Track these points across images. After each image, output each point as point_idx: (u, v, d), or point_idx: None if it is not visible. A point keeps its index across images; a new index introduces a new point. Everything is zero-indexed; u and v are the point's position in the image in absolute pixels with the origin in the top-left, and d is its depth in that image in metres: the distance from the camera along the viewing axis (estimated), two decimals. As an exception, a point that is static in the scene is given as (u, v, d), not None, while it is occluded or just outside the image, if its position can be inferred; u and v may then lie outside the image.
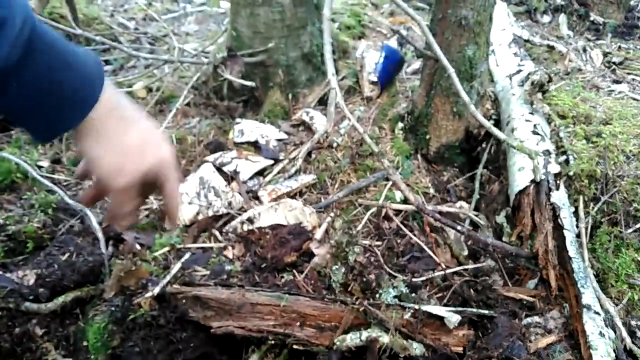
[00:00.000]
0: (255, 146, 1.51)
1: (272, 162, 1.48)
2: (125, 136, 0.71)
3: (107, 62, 2.00)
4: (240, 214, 1.34)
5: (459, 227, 1.21)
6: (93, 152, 0.70)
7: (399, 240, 1.28)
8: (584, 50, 2.15)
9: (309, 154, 1.50)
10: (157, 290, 1.10)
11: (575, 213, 1.21)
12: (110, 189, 0.72)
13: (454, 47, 1.43)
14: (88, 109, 0.67)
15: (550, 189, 1.21)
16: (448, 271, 1.19)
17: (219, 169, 1.42)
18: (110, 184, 0.71)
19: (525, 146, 1.19)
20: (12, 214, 1.27)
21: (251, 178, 1.43)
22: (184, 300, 1.10)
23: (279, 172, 1.46)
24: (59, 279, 1.10)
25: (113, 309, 1.07)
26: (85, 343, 1.04)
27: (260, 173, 1.46)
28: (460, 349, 1.08)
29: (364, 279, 1.14)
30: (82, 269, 1.12)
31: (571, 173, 1.32)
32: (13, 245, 1.18)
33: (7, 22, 0.57)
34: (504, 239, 1.27)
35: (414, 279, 1.17)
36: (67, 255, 1.15)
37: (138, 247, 1.23)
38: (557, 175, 1.26)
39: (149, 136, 0.73)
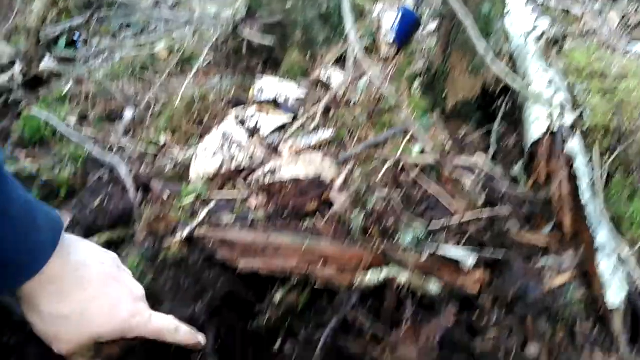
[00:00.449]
0: (275, 104, 1.55)
1: (291, 118, 1.52)
2: (62, 305, 0.69)
3: (128, 26, 2.04)
4: (261, 167, 1.39)
5: (475, 174, 1.25)
6: (28, 318, 0.70)
7: (416, 191, 1.31)
8: (600, 13, 2.15)
9: (327, 111, 1.54)
10: (185, 233, 1.15)
11: (590, 162, 1.24)
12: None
13: (470, 5, 1.44)
14: (19, 282, 0.65)
15: (565, 139, 1.23)
16: (464, 219, 1.23)
17: (240, 124, 1.47)
18: (53, 349, 0.72)
19: (541, 94, 1.22)
20: (44, 166, 1.33)
21: (272, 133, 1.47)
22: (211, 243, 1.15)
23: (298, 128, 1.50)
24: (93, 222, 1.16)
25: (144, 250, 1.13)
26: (118, 281, 1.09)
27: (281, 129, 1.50)
28: (475, 291, 1.13)
29: (383, 224, 1.18)
30: (113, 214, 1.18)
31: (586, 127, 1.34)
32: (47, 193, 1.24)
33: None
34: (519, 188, 1.30)
35: (431, 225, 1.21)
36: (98, 201, 1.20)
37: (166, 195, 1.27)
38: (572, 127, 1.28)
39: (98, 302, 0.72)
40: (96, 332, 0.71)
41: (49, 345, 0.71)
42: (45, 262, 0.65)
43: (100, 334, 0.72)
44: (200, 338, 0.86)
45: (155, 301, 1.07)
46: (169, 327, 0.81)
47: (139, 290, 0.82)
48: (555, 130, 1.24)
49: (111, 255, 0.82)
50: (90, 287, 0.71)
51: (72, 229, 1.12)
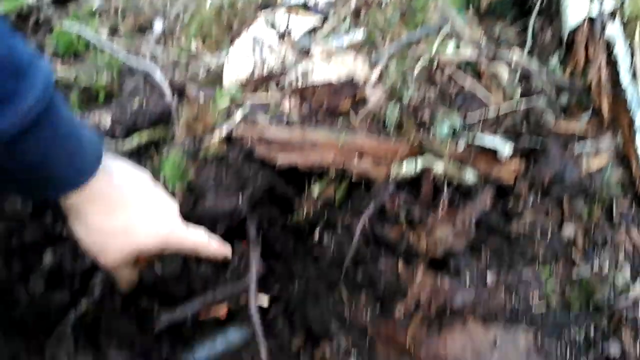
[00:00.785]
0: (304, 6, 1.53)
1: (322, 20, 1.50)
2: (109, 219, 0.71)
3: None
4: (293, 70, 1.39)
5: (511, 68, 1.23)
6: (75, 232, 0.73)
7: (451, 87, 1.30)
8: None
9: (357, 13, 1.51)
10: (224, 132, 1.18)
11: (630, 48, 1.21)
12: (100, 265, 0.76)
13: None
14: (61, 193, 0.67)
15: (604, 25, 1.20)
16: (501, 111, 1.22)
17: (270, 27, 1.46)
18: (96, 262, 0.76)
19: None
20: (81, 73, 1.35)
21: (302, 36, 1.46)
22: (249, 141, 1.18)
23: (329, 31, 1.48)
24: (132, 123, 1.19)
25: (185, 148, 1.16)
26: (162, 177, 1.12)
27: (311, 32, 1.48)
28: (511, 181, 1.14)
29: (418, 118, 1.18)
30: (152, 115, 1.20)
31: (625, 16, 1.30)
32: (86, 97, 1.27)
33: (18, 97, 0.54)
34: (556, 78, 1.28)
35: (467, 118, 1.20)
36: (137, 104, 1.23)
37: (201, 99, 1.29)
38: (612, 13, 1.24)
39: (139, 219, 0.75)
40: (139, 247, 0.76)
41: (93, 258, 0.75)
42: (89, 177, 0.68)
43: (142, 249, 0.76)
44: (228, 250, 0.90)
45: (198, 194, 1.11)
46: (203, 240, 0.85)
47: (175, 206, 0.86)
48: (594, 16, 1.20)
49: (146, 174, 0.85)
50: (133, 205, 0.75)
51: (113, 129, 1.16)
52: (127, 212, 0.74)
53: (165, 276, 1.07)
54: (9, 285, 0.93)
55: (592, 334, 0.97)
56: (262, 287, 1.12)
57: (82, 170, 0.67)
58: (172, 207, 0.84)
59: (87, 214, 0.70)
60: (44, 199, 0.74)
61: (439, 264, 1.08)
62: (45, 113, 0.57)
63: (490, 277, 1.03)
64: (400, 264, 1.10)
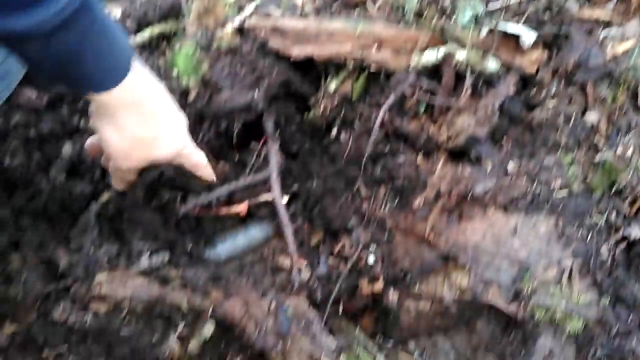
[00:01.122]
0: None
1: None
2: (140, 128, 0.72)
3: None
4: (305, -38, 1.32)
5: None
6: (105, 134, 0.72)
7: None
8: None
9: None
10: (237, 23, 1.14)
11: None
12: (114, 165, 0.78)
13: None
14: (97, 90, 0.67)
15: None
16: (523, -1, 1.18)
17: None
18: (115, 163, 0.77)
19: None
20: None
21: None
22: (262, 32, 1.14)
23: None
24: (143, 16, 1.14)
25: (197, 41, 1.12)
26: (175, 71, 1.10)
27: None
28: (533, 70, 1.11)
29: (439, 5, 1.14)
30: (162, 7, 1.16)
31: None
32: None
33: None
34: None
35: (489, 6, 1.16)
36: (145, -4, 1.18)
37: (210, -9, 1.24)
38: None
39: (166, 130, 0.76)
40: (158, 157, 0.77)
41: (114, 161, 0.76)
42: (121, 79, 0.67)
43: (160, 159, 0.77)
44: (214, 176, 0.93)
45: (213, 89, 1.09)
46: (204, 161, 0.85)
47: (186, 120, 0.85)
48: None
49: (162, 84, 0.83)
50: (161, 116, 0.75)
51: (124, 22, 1.12)
52: (158, 123, 0.74)
53: (186, 172, 1.07)
54: (30, 176, 0.92)
55: (613, 218, 0.98)
56: (281, 185, 1.12)
57: (115, 71, 0.67)
58: (184, 121, 0.84)
59: (122, 118, 0.70)
60: (77, 93, 0.75)
61: (460, 155, 1.07)
62: (81, 9, 0.57)
63: (511, 165, 1.03)
64: (420, 157, 1.09)
